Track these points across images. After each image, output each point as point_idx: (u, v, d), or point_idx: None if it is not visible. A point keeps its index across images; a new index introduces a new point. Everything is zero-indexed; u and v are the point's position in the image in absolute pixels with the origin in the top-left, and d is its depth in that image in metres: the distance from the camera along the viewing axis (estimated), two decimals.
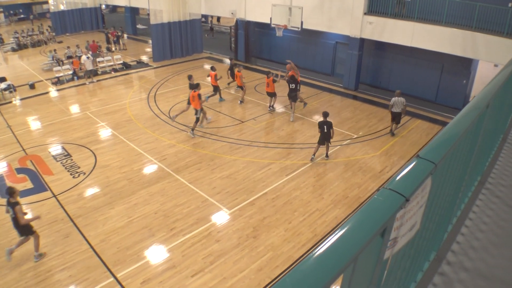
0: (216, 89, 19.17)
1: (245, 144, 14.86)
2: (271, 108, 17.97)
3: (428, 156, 2.25)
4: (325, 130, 13.07)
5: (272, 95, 17.60)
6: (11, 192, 9.46)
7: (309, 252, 9.37)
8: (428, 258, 3.23)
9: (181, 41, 28.39)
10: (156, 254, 9.65)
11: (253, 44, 26.77)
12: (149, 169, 13.60)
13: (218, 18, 41.73)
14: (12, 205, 9.33)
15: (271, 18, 20.84)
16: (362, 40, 19.75)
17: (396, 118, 15.23)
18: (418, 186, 2.05)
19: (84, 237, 10.35)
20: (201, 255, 9.48)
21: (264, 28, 25.55)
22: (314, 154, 13.66)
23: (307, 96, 19.65)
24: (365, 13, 19.04)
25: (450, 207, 3.41)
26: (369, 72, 21.37)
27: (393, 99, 14.93)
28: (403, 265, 2.48)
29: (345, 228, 1.67)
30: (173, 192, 12.09)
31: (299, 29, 19.84)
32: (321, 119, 13.29)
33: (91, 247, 9.97)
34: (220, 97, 19.49)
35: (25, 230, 9.60)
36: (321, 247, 1.55)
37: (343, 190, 11.95)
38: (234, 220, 10.71)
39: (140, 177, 13.12)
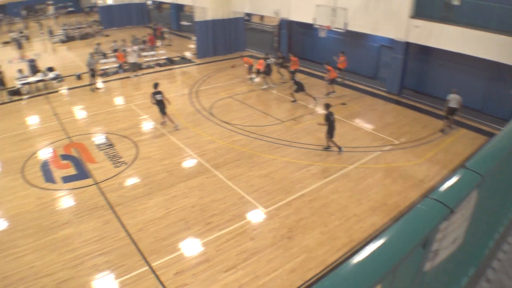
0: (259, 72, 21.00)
1: (284, 144, 14.84)
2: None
3: (475, 167, 2.17)
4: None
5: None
6: (156, 84, 15.80)
7: (344, 257, 9.30)
8: (467, 273, 3.11)
9: (224, 38, 28.65)
10: (191, 247, 9.79)
11: (295, 44, 26.68)
12: (189, 163, 13.81)
13: (262, 17, 41.82)
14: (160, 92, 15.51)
15: (314, 19, 20.71)
16: (407, 44, 19.34)
17: (452, 113, 15.72)
18: (463, 198, 1.99)
19: (122, 225, 10.63)
20: (235, 252, 9.54)
21: (307, 29, 25.39)
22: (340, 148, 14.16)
23: (349, 99, 19.41)
24: (411, 16, 18.63)
25: (493, 222, 3.29)
26: (413, 76, 20.87)
27: (451, 95, 15.60)
28: (442, 278, 2.41)
29: (387, 236, 1.63)
30: (211, 187, 12.22)
31: (343, 31, 19.64)
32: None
33: (129, 235, 10.23)
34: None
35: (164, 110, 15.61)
36: (361, 254, 1.52)
37: (382, 196, 11.73)
38: (270, 219, 10.72)
39: (180, 170, 13.33)
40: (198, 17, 27.35)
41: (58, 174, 13.41)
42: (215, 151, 14.43)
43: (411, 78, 20.80)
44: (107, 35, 38.66)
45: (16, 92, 22.10)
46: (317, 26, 20.74)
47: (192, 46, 31.61)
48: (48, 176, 13.28)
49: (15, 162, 14.24)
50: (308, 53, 26.93)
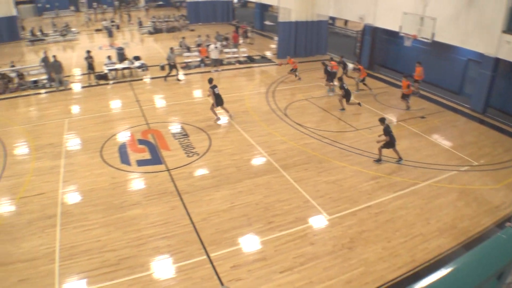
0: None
1: (356, 152, 14.54)
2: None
3: None
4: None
5: None
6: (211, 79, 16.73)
7: (403, 277, 8.94)
8: None
9: (306, 40, 28.59)
10: (250, 243, 9.89)
11: (378, 52, 26.00)
12: (258, 161, 13.96)
13: (346, 22, 41.32)
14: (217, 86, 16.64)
15: (400, 27, 20.07)
16: (497, 60, 18.16)
17: None
18: None
19: (187, 212, 10.98)
20: (293, 254, 9.50)
21: (392, 36, 24.65)
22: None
23: (429, 113, 18.60)
24: (503, 31, 17.47)
25: None
26: (501, 95, 19.54)
27: None
28: None
29: (460, 263, 1.53)
30: (277, 187, 12.26)
31: (429, 41, 18.87)
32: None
33: (192, 223, 10.54)
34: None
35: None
36: (431, 278, 1.44)
37: (453, 219, 11.12)
38: (332, 227, 10.55)
39: (249, 167, 13.52)
40: (282, 17, 27.54)
41: (133, 157, 14.13)
42: (286, 152, 14.45)
43: (498, 96, 19.50)
44: (192, 30, 40.05)
45: (103, 77, 23.56)
46: (402, 35, 20.09)
47: (273, 46, 31.90)
48: (124, 158, 14.04)
49: (96, 142, 15.23)
50: (390, 62, 26.16)
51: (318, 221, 10.76)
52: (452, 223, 10.89)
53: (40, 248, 9.78)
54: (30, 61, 28.00)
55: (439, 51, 22.07)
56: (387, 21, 23.16)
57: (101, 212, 11.11)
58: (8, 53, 33.13)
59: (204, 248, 9.65)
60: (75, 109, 19.17)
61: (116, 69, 23.76)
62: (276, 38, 30.06)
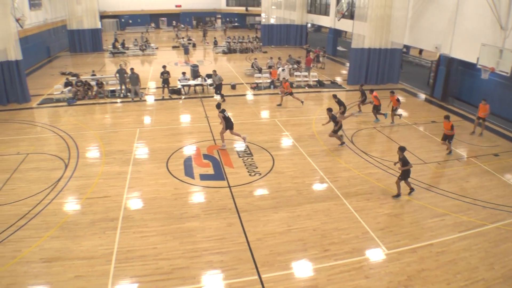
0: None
1: (422, 186, 13.91)
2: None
3: None
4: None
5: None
6: (218, 105, 16.59)
7: None
8: None
9: (378, 68, 28.07)
10: (304, 269, 9.68)
11: (453, 83, 24.96)
12: (320, 186, 13.76)
13: (420, 51, 40.27)
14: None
15: (478, 58, 19.21)
16: None
17: None
18: None
19: (244, 230, 11.00)
20: (346, 285, 9.16)
21: (468, 68, 23.63)
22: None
23: (503, 150, 17.43)
24: None
25: None
26: None
27: None
28: None
29: None
30: (336, 215, 11.97)
31: (508, 75, 17.84)
32: None
33: (247, 242, 10.52)
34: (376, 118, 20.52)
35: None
36: None
37: None
38: (389, 262, 10.08)
39: (309, 191, 13.35)
40: (355, 44, 27.33)
41: (197, 170, 14.49)
42: (348, 180, 14.12)
43: None
44: (265, 52, 40.80)
45: (176, 92, 24.51)
46: (479, 67, 19.20)
47: (344, 72, 31.67)
48: (188, 171, 14.41)
49: (163, 153, 15.81)
50: (465, 94, 25.01)
51: (376, 254, 10.33)
52: None
53: (99, 248, 10.22)
54: (110, 71, 29.74)
55: None
56: (464, 52, 22.29)
57: (160, 220, 11.42)
58: (90, 63, 35.52)
59: (257, 268, 9.57)
60: (146, 120, 20.05)
61: (189, 85, 24.63)
62: (347, 64, 29.81)
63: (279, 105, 22.34)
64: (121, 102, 23.35)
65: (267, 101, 23.83)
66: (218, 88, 23.64)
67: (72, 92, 23.60)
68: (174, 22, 62.28)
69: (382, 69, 28.24)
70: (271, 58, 31.33)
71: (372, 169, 15.04)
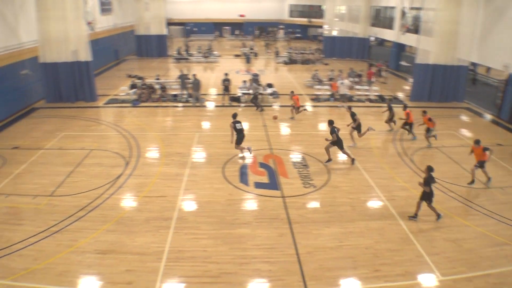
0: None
1: (483, 212, 13.18)
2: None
3: None
4: None
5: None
6: (235, 114, 16.51)
7: None
8: None
9: (442, 85, 27.00)
10: (352, 287, 9.41)
11: None
12: (375, 204, 13.40)
13: (488, 69, 38.43)
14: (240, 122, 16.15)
15: None
16: None
17: None
18: None
19: (294, 242, 10.90)
20: None
21: None
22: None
23: None
24: None
25: None
26: None
27: None
28: None
29: None
30: (390, 235, 11.56)
31: None
32: None
33: (297, 254, 10.42)
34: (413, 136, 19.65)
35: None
36: None
37: None
38: None
39: (364, 208, 13.05)
40: (420, 59, 26.52)
41: (252, 178, 14.60)
42: (406, 200, 13.63)
43: None
44: (326, 64, 40.55)
45: (236, 99, 24.86)
46: None
47: (407, 87, 30.80)
48: (243, 178, 14.54)
49: (220, 158, 16.11)
50: None
51: (429, 280, 9.85)
52: None
53: (151, 245, 10.54)
54: (173, 76, 30.66)
55: None
56: None
57: (213, 224, 11.59)
58: (155, 67, 36.87)
59: (304, 281, 9.44)
60: (206, 125, 20.49)
61: (249, 93, 24.85)
62: (410, 80, 28.96)
63: (292, 118, 22.10)
64: (182, 106, 24.01)
65: (326, 114, 23.60)
66: (254, 98, 23.70)
67: (137, 94, 24.60)
68: (237, 31, 63.59)
69: (447, 87, 27.12)
70: (332, 70, 31.06)
71: None
